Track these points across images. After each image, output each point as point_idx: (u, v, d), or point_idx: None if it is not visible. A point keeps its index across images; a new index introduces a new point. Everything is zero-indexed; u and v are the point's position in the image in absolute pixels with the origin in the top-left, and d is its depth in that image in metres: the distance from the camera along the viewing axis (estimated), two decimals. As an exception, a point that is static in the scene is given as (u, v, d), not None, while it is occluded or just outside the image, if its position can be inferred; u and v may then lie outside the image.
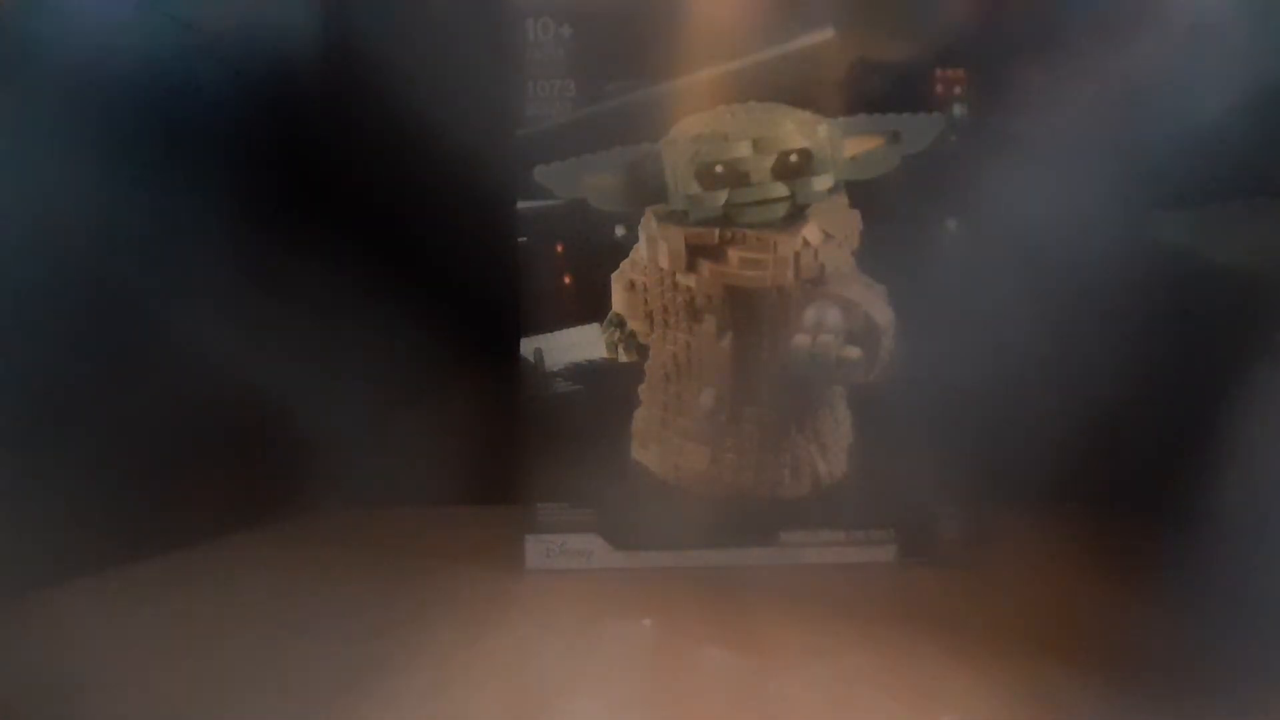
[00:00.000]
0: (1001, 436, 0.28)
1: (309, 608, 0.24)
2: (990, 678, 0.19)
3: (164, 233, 0.30)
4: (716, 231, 0.25)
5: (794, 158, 0.25)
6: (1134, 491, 0.29)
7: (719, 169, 0.25)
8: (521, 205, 0.25)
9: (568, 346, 0.25)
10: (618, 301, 0.25)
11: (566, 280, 0.25)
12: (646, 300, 0.25)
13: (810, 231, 0.25)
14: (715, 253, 0.25)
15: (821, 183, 0.25)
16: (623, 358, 0.25)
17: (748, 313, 0.25)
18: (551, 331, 0.25)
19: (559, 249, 0.25)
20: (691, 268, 0.25)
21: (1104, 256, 0.29)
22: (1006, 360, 0.28)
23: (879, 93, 0.25)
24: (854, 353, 0.25)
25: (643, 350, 0.25)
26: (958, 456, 0.27)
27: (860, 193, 0.25)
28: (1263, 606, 0.21)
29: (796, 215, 0.25)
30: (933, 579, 0.26)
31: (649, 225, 0.25)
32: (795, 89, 0.25)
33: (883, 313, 0.25)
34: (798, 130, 0.25)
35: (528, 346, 0.25)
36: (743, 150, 0.25)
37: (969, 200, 0.26)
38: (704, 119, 0.25)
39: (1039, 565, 0.28)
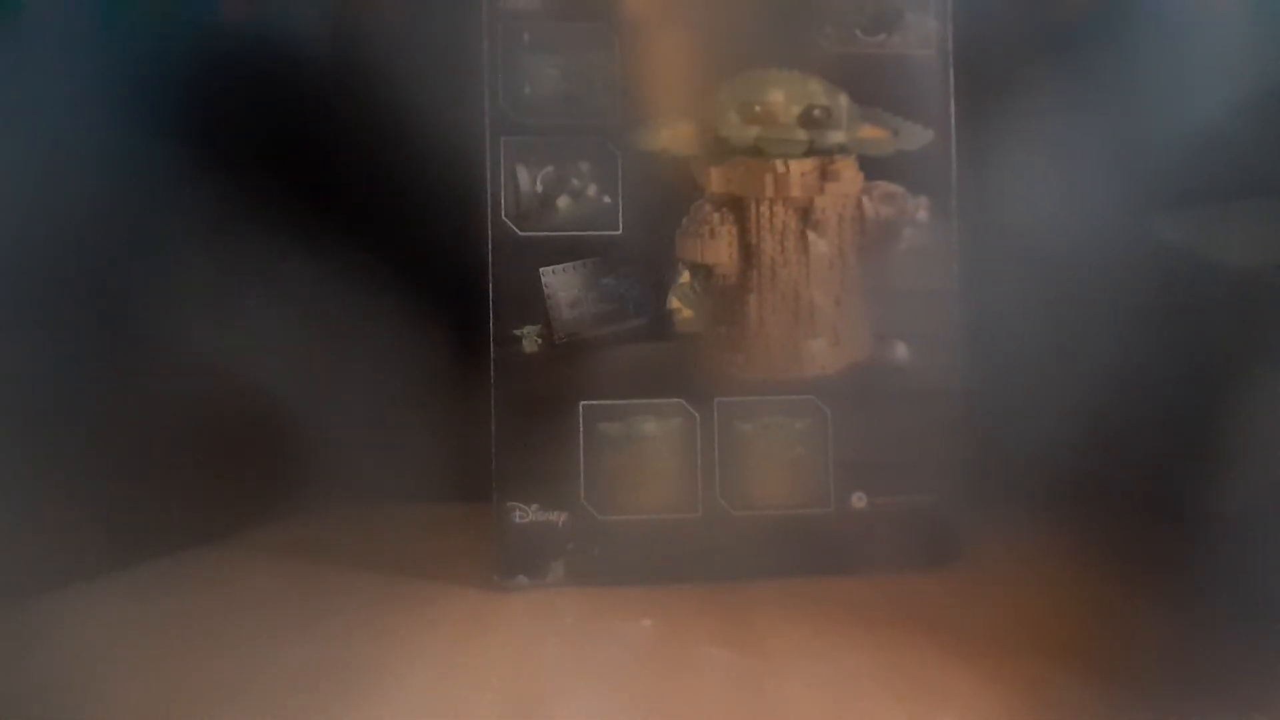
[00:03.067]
0: (999, 434, 0.29)
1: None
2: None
3: (152, 229, 0.31)
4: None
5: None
6: (1135, 491, 0.29)
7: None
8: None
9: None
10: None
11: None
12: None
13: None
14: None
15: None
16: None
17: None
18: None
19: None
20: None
21: (1101, 257, 0.30)
22: (1005, 358, 0.30)
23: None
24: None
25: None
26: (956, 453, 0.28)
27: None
28: (1264, 607, 0.21)
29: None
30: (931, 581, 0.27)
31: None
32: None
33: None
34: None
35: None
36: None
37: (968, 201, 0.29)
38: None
39: (1038, 565, 0.28)
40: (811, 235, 0.29)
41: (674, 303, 0.29)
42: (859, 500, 0.29)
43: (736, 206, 0.29)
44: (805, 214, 0.29)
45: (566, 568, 0.28)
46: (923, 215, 0.30)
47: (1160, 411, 0.29)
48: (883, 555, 0.29)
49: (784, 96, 0.29)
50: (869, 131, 0.30)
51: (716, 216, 0.29)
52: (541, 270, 0.29)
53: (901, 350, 0.30)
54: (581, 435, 0.29)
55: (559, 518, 0.28)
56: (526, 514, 0.28)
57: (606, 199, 0.29)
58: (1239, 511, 0.23)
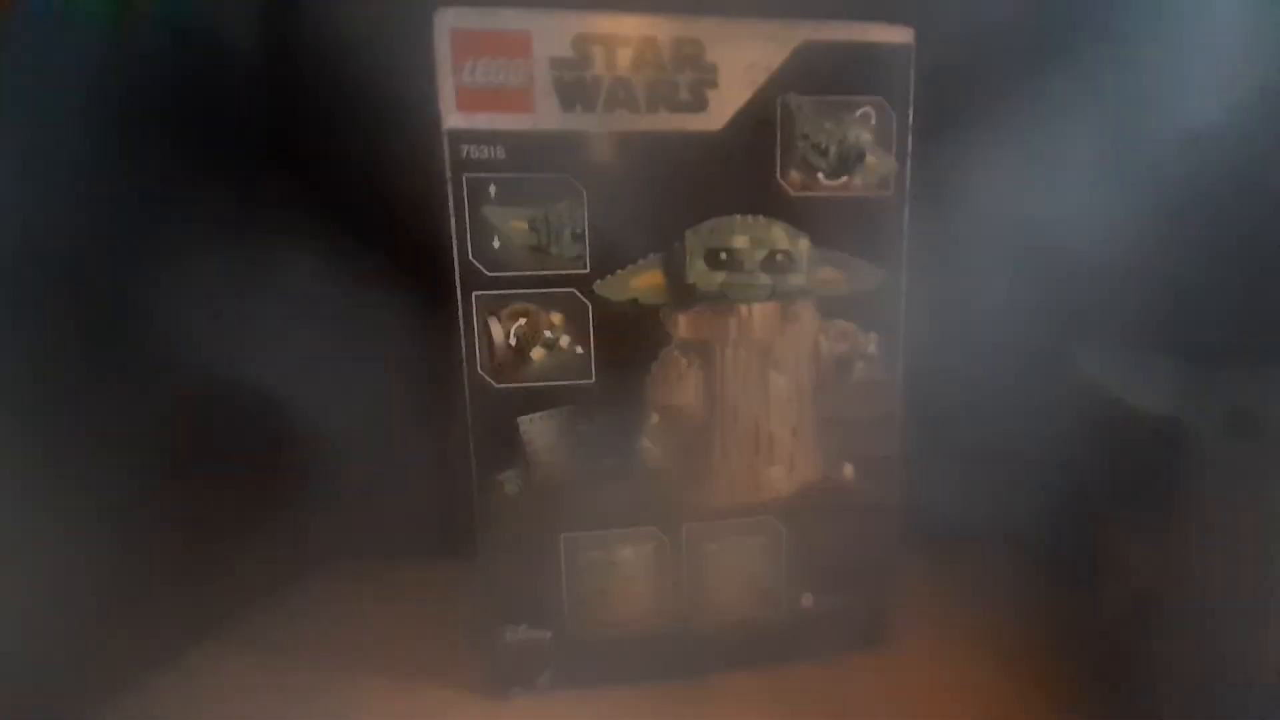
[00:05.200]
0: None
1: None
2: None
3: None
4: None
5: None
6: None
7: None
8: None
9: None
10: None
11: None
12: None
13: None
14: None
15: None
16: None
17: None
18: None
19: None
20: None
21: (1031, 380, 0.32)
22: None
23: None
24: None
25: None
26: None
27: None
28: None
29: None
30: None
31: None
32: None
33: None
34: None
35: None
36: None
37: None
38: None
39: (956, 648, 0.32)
40: (772, 374, 0.31)
41: (645, 443, 0.31)
42: (807, 600, 0.33)
43: (702, 350, 0.30)
44: (766, 354, 0.31)
45: (554, 676, 0.32)
46: (872, 350, 0.32)
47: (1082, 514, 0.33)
48: (825, 644, 0.33)
49: (748, 243, 0.30)
50: (827, 274, 0.31)
51: (684, 361, 0.30)
52: (519, 419, 0.30)
53: (849, 470, 0.33)
54: (563, 562, 0.31)
55: (545, 635, 0.31)
56: (516, 632, 0.31)
57: (579, 349, 0.29)
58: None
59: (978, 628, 0.35)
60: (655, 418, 0.30)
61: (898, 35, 0.29)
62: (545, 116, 0.27)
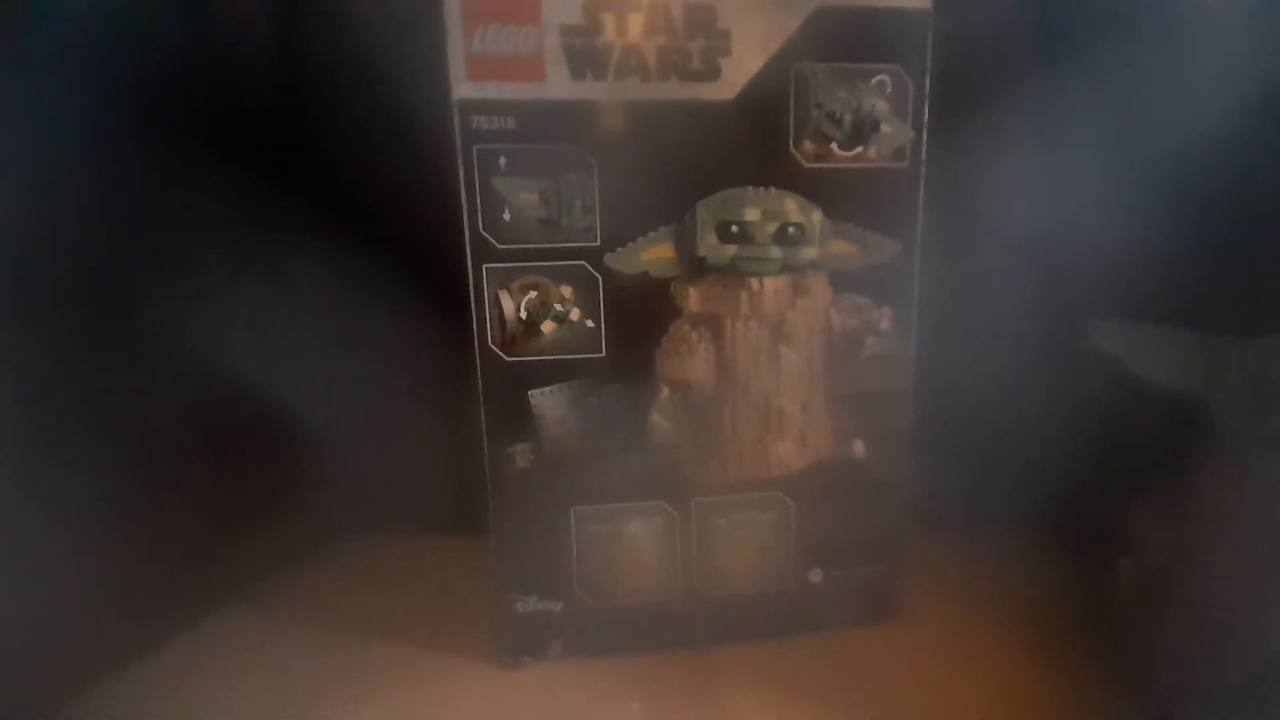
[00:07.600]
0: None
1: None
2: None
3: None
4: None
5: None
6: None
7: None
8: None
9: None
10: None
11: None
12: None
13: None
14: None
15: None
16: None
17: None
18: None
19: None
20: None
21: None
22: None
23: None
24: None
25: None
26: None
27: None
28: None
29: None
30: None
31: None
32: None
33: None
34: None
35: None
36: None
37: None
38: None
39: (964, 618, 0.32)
40: (783, 348, 0.31)
41: (655, 418, 0.30)
42: (816, 575, 0.33)
43: (713, 324, 0.30)
44: (777, 328, 0.30)
45: (565, 646, 0.32)
46: (885, 325, 0.31)
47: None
48: (834, 617, 0.33)
49: (760, 215, 0.29)
50: (840, 247, 0.30)
51: (694, 335, 0.30)
52: (530, 393, 0.29)
53: (859, 447, 0.32)
54: (574, 535, 0.31)
55: (556, 605, 0.31)
56: (527, 604, 0.31)
57: (589, 323, 0.29)
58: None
59: (989, 604, 0.34)
60: (665, 391, 0.30)
61: (915, 1, 0.28)
62: (555, 85, 0.27)
